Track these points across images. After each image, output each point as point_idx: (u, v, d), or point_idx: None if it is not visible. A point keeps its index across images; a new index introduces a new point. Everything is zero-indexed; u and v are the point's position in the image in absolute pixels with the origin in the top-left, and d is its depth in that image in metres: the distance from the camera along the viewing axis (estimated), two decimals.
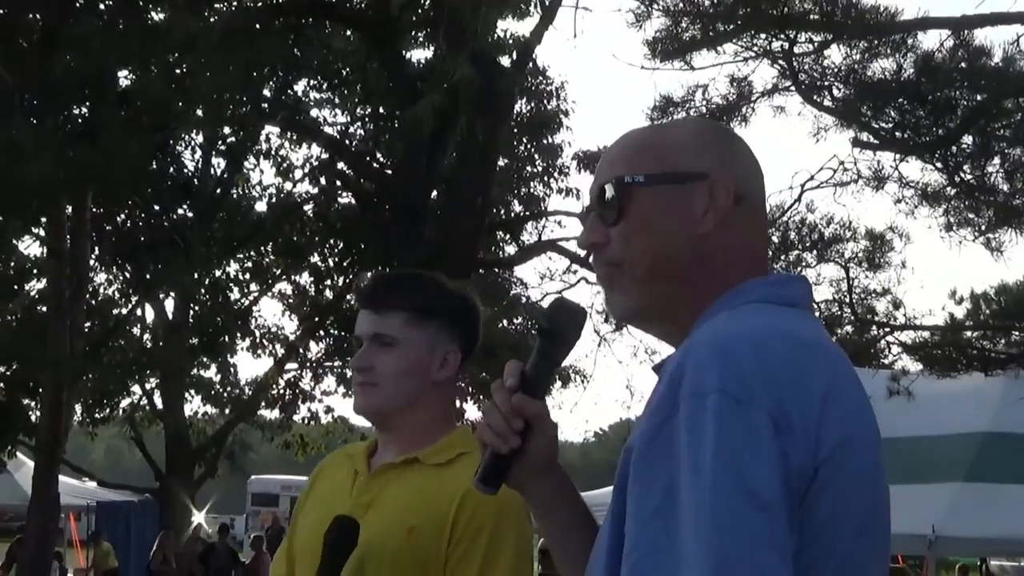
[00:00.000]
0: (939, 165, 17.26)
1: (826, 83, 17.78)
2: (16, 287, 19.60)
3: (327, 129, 20.18)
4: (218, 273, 21.69)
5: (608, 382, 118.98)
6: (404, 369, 2.76)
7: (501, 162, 19.43)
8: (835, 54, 15.32)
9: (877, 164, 18.67)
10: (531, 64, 19.43)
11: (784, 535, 1.57)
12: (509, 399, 1.97)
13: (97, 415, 23.81)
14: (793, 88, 17.95)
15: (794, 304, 1.86)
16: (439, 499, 2.68)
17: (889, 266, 20.04)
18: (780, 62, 18.00)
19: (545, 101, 22.23)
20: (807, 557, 1.62)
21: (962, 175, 17.38)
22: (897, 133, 17.00)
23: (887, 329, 19.75)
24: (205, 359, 22.90)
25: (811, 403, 1.63)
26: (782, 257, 18.70)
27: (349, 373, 2.87)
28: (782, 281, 1.94)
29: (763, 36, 14.99)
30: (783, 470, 1.58)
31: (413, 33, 18.26)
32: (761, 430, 1.58)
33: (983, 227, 18.51)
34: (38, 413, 17.85)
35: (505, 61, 16.75)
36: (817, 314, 16.98)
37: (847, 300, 19.27)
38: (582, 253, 19.72)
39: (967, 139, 16.69)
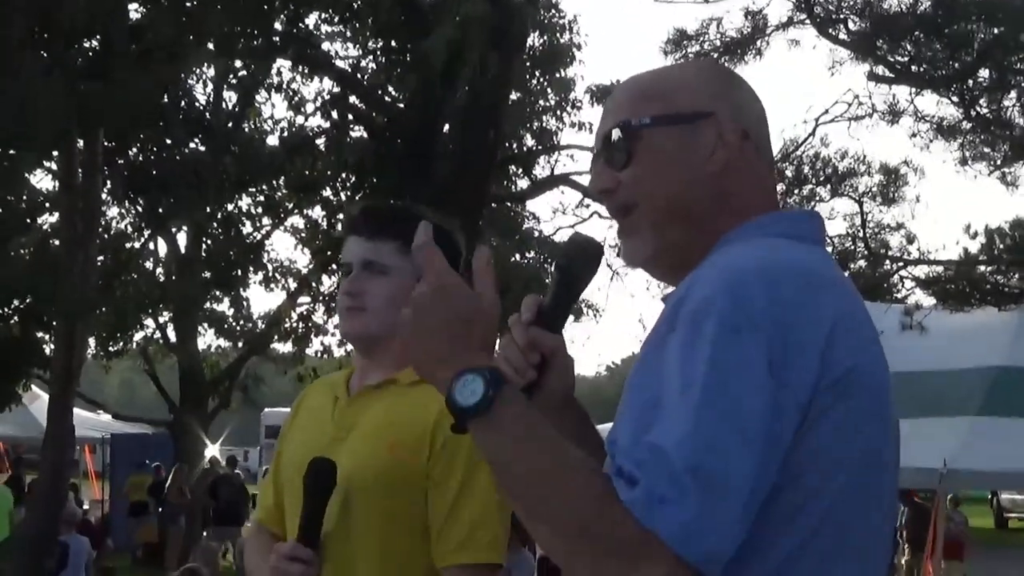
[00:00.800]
0: (955, 99, 17.21)
1: (842, 16, 17.71)
2: (29, 221, 19.63)
3: (339, 63, 20.11)
4: (230, 207, 21.68)
5: (621, 316, 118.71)
6: (392, 296, 2.78)
7: (513, 96, 19.34)
8: None
9: (892, 98, 18.64)
10: None
11: (760, 469, 1.58)
12: (525, 333, 1.98)
13: (111, 349, 23.90)
14: (808, 21, 17.87)
15: (807, 239, 1.86)
16: (417, 415, 2.72)
17: (903, 200, 20.08)
18: None
19: (557, 34, 22.11)
20: (800, 488, 1.64)
21: (978, 109, 17.32)
22: (913, 67, 16.94)
23: (901, 263, 19.77)
24: (218, 293, 22.95)
25: (815, 337, 1.63)
26: (796, 191, 18.71)
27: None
28: (796, 217, 1.95)
29: None
30: (772, 404, 1.59)
31: None
32: (756, 362, 1.59)
33: (998, 161, 18.49)
34: (52, 347, 17.93)
35: None
36: (831, 248, 17.09)
37: (861, 235, 19.28)
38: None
39: (983, 73, 16.64)
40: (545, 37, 22.04)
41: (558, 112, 23.18)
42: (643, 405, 1.63)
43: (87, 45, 14.22)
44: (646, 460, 1.57)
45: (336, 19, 19.79)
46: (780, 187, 18.81)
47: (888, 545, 1.85)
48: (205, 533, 20.97)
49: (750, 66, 18.81)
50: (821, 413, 1.63)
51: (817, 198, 19.10)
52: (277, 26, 15.77)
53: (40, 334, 19.42)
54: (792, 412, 1.61)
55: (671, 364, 1.62)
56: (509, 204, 23.78)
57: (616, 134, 1.95)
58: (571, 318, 27.54)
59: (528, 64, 21.58)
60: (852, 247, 19.48)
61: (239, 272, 22.55)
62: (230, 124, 21.30)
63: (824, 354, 1.63)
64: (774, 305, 1.63)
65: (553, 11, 21.86)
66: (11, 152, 15.49)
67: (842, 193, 19.14)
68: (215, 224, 21.47)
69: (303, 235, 24.83)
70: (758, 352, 1.59)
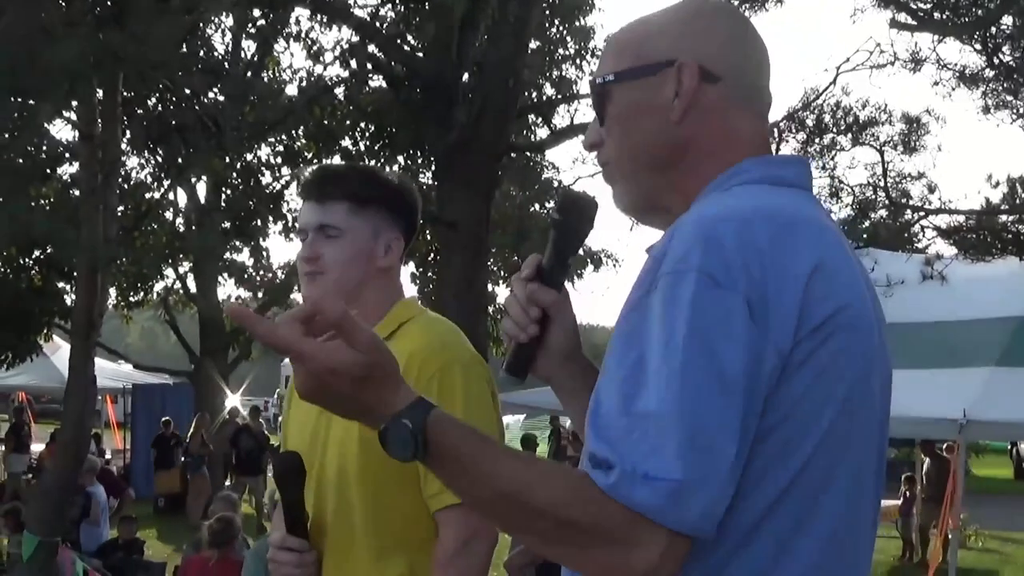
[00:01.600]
0: (978, 46, 17.07)
1: None
2: (49, 171, 19.64)
3: (357, 11, 20.02)
4: (249, 157, 21.69)
5: (639, 265, 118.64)
6: (350, 257, 2.87)
7: (533, 44, 19.27)
8: None
9: (915, 46, 18.50)
10: None
11: (745, 420, 1.58)
12: (525, 289, 2.03)
13: (131, 299, 24.02)
14: None
15: (790, 184, 1.86)
16: None
17: (924, 149, 19.95)
18: None
19: None
20: (784, 432, 1.64)
21: (1001, 56, 17.18)
22: (936, 14, 16.80)
23: (921, 213, 19.68)
24: (237, 243, 23.01)
25: (795, 281, 1.63)
26: (817, 140, 18.60)
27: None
28: (778, 161, 1.92)
29: None
30: (753, 354, 1.59)
31: None
32: (736, 312, 1.59)
33: (1021, 109, 18.34)
34: (73, 297, 17.99)
35: None
36: (851, 198, 16.97)
37: (882, 184, 19.19)
38: None
39: (1007, 20, 16.48)
40: None
41: (577, 61, 23.11)
42: (629, 366, 1.63)
43: None
44: (628, 433, 1.58)
45: None
46: (801, 136, 18.73)
47: (878, 483, 1.84)
48: (228, 482, 21.15)
49: (771, 14, 18.72)
50: (806, 356, 1.63)
51: (838, 147, 18.99)
52: None
53: (61, 284, 19.49)
54: (774, 357, 1.61)
55: (653, 324, 1.63)
56: (528, 153, 23.72)
57: (592, 92, 1.97)
58: (590, 268, 27.56)
59: (547, 12, 21.48)
60: (873, 196, 19.39)
61: (258, 222, 22.59)
62: (249, 73, 21.28)
63: (804, 297, 1.63)
64: (749, 253, 1.62)
65: None
66: (30, 102, 15.49)
67: (863, 142, 19.03)
68: (234, 174, 21.49)
69: None
70: (736, 302, 1.59)
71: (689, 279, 1.61)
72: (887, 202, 19.58)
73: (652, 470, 1.55)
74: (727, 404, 1.57)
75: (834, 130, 18.82)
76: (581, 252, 29.13)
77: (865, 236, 18.70)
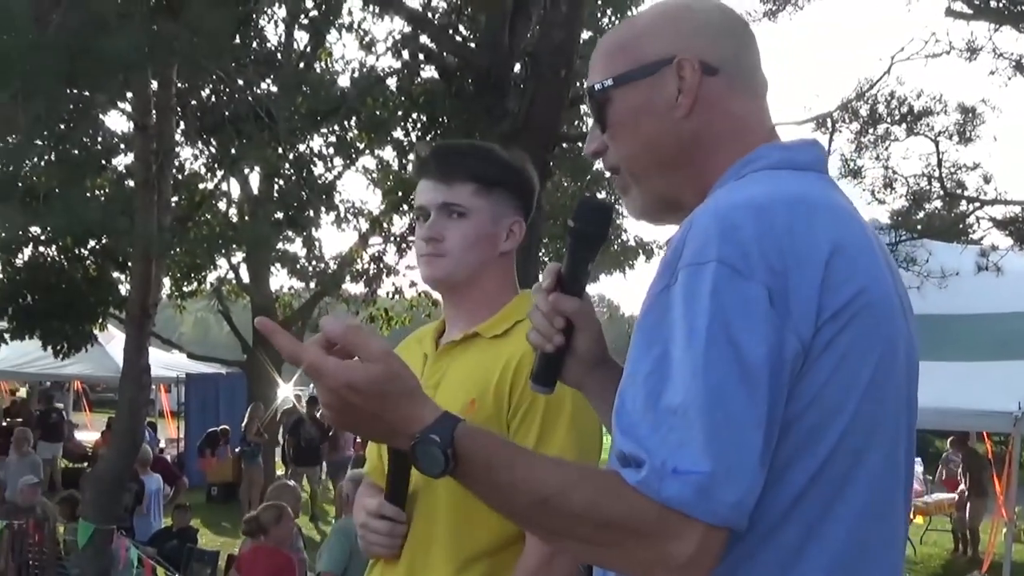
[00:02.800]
0: None
1: None
2: (104, 162, 19.80)
3: (409, 2, 20.03)
4: (302, 148, 21.75)
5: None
6: (473, 239, 2.79)
7: (585, 35, 19.21)
8: None
9: (970, 34, 18.36)
10: None
11: (770, 410, 1.59)
12: (547, 299, 2.03)
13: (185, 288, 24.17)
14: None
15: (806, 168, 1.86)
16: (495, 369, 2.72)
17: (980, 140, 19.74)
18: None
19: None
20: (810, 418, 1.65)
21: None
22: (992, 2, 16.64)
23: (977, 204, 19.50)
24: (290, 233, 23.08)
25: (814, 266, 1.64)
26: (870, 130, 18.47)
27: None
28: (792, 146, 1.92)
29: None
30: (775, 342, 1.60)
31: None
32: (756, 301, 1.60)
33: None
34: (128, 287, 18.11)
35: None
36: (905, 189, 16.86)
37: (936, 174, 19.03)
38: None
39: None
40: None
41: None
42: (653, 361, 1.64)
43: None
44: (656, 429, 1.59)
45: None
46: (854, 126, 18.59)
47: (909, 464, 1.83)
48: (289, 471, 21.25)
49: (825, 2, 18.59)
50: (828, 342, 1.64)
51: (892, 137, 18.86)
52: None
53: (116, 274, 19.62)
54: (795, 344, 1.62)
55: (676, 318, 1.63)
56: (580, 144, 23.67)
57: (590, 99, 1.99)
58: (642, 259, 27.48)
59: (599, 2, 21.42)
60: (928, 187, 19.25)
61: (311, 212, 22.66)
62: (301, 64, 21.35)
63: (823, 282, 1.63)
64: (767, 240, 1.63)
65: None
66: (85, 93, 15.60)
67: (918, 132, 18.87)
68: (287, 164, 21.55)
69: (374, 175, 24.92)
70: (757, 290, 1.60)
71: (708, 270, 1.61)
72: (942, 193, 19.42)
73: (681, 464, 1.56)
74: (752, 394, 1.58)
75: (888, 120, 18.68)
76: (632, 243, 29.14)
77: (919, 227, 18.56)
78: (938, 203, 20.23)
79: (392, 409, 1.73)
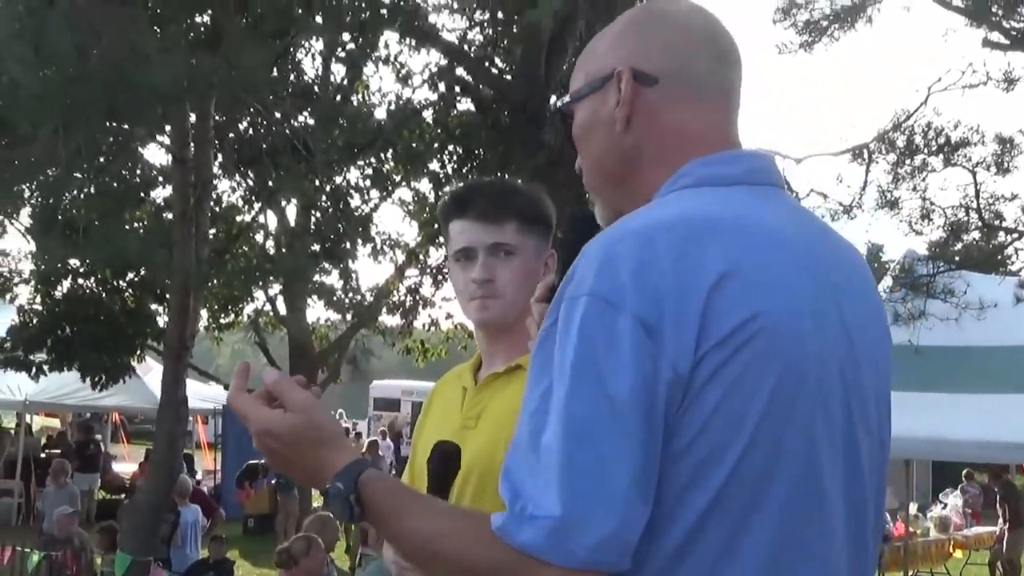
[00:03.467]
0: None
1: None
2: (143, 194, 19.93)
3: (446, 35, 20.13)
4: (339, 180, 21.84)
5: None
6: (523, 277, 2.77)
7: None
8: None
9: (1008, 65, 18.28)
10: None
11: (639, 443, 1.53)
12: (541, 310, 2.02)
13: (222, 320, 24.26)
14: None
15: (732, 183, 1.78)
16: None
17: (1018, 170, 19.60)
18: None
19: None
20: (698, 452, 1.58)
21: None
22: None
23: (1015, 235, 19.37)
24: (327, 265, 23.14)
25: (696, 293, 1.57)
26: (907, 161, 18.40)
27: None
28: (723, 159, 1.83)
29: None
30: (646, 374, 1.54)
31: None
32: (626, 333, 1.55)
33: None
34: (166, 318, 18.20)
35: None
36: (943, 220, 16.75)
37: (974, 205, 18.92)
38: None
39: None
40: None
41: None
42: (537, 399, 1.61)
43: (199, 19, 14.37)
44: (530, 471, 1.56)
45: None
46: (891, 157, 18.52)
47: (857, 493, 1.74)
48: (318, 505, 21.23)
49: (861, 33, 18.58)
50: (714, 370, 1.57)
51: (929, 168, 18.77)
52: None
53: (154, 306, 19.72)
54: (669, 374, 1.56)
55: (555, 354, 1.61)
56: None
57: (558, 117, 2.00)
58: None
59: None
60: (965, 218, 19.13)
61: (347, 244, 22.71)
62: (338, 97, 21.45)
63: (706, 309, 1.57)
64: (645, 270, 1.58)
65: None
66: (124, 126, 15.72)
67: (955, 163, 18.77)
68: (324, 197, 21.64)
69: (411, 208, 24.95)
70: (627, 322, 1.55)
71: (581, 304, 1.58)
72: (980, 224, 19.30)
73: (537, 508, 1.53)
74: (616, 429, 1.53)
75: (925, 151, 18.60)
76: None
77: (957, 258, 18.45)
78: (976, 234, 20.11)
79: (311, 456, 1.80)
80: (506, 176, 21.64)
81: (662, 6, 1.98)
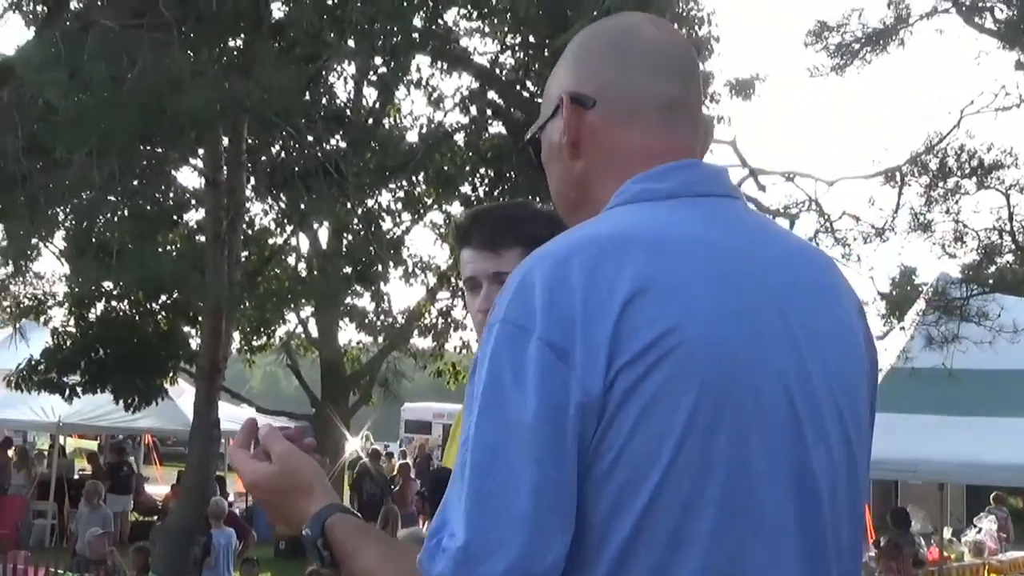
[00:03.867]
0: None
1: (988, 4, 17.33)
2: (176, 217, 20.04)
3: (477, 58, 20.18)
4: (371, 203, 21.90)
5: None
6: None
7: None
8: None
9: None
10: None
11: (548, 466, 1.50)
12: None
13: (254, 343, 24.32)
14: (953, 10, 17.54)
15: (670, 195, 1.74)
16: None
17: None
18: None
19: (695, 27, 21.94)
20: (621, 474, 1.53)
21: None
22: None
23: None
24: (358, 288, 23.19)
25: (606, 311, 1.54)
26: (940, 184, 18.33)
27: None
28: (656, 174, 1.77)
29: None
30: (555, 398, 1.51)
31: None
32: (534, 358, 1.52)
33: None
34: (198, 340, 18.27)
35: None
36: (976, 242, 16.68)
37: (1008, 228, 18.81)
38: (733, 182, 19.52)
39: None
40: (684, 30, 21.87)
41: None
42: (466, 428, 1.58)
43: (231, 44, 14.46)
44: (454, 502, 1.55)
45: (475, 15, 19.87)
46: (924, 179, 18.46)
47: (803, 523, 1.63)
48: None
49: (893, 56, 18.53)
50: (628, 389, 1.53)
51: (962, 191, 18.68)
52: (417, 23, 15.88)
53: (186, 329, 19.81)
54: (580, 396, 1.51)
55: (473, 381, 1.60)
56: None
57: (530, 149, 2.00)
58: None
59: None
60: (999, 241, 19.03)
61: (379, 267, 22.77)
62: (370, 120, 21.52)
63: (618, 326, 1.53)
64: (556, 292, 1.55)
65: (691, 3, 21.70)
66: (158, 150, 15.83)
67: (988, 186, 18.68)
68: (356, 219, 21.70)
69: (442, 230, 24.99)
70: (536, 346, 1.52)
71: (495, 331, 1.57)
72: (1013, 246, 19.19)
73: (445, 539, 1.52)
74: (519, 456, 1.50)
75: (958, 174, 18.52)
76: None
77: (991, 281, 18.36)
78: (1010, 257, 19.99)
79: (291, 504, 1.85)
80: (537, 199, 21.67)
81: (603, 25, 1.94)
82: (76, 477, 25.22)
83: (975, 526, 20.31)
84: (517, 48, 20.85)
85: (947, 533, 18.30)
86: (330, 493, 1.85)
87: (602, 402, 1.52)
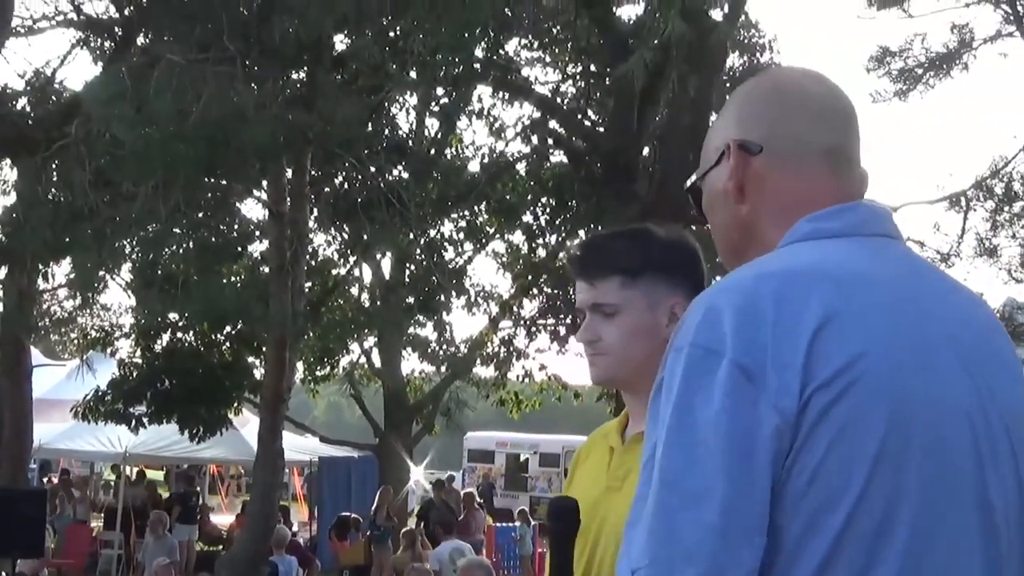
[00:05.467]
0: None
1: None
2: (240, 249, 20.19)
3: (538, 88, 20.24)
4: (433, 233, 21.97)
5: None
6: (630, 334, 2.67)
7: (713, 117, 19.23)
8: None
9: None
10: (743, 17, 19.17)
11: (734, 483, 1.53)
12: None
13: (318, 373, 24.45)
14: (1017, 33, 17.39)
15: (840, 234, 1.79)
16: None
17: None
18: (1004, 6, 17.42)
19: (757, 54, 21.91)
20: (815, 497, 1.56)
21: None
22: None
23: None
24: (421, 318, 23.26)
25: (798, 338, 1.57)
26: (1006, 208, 18.17)
27: (572, 339, 2.83)
28: (826, 215, 1.82)
29: None
30: (748, 418, 1.54)
31: None
32: (725, 381, 1.55)
33: None
34: (262, 371, 18.38)
35: (716, 15, 16.52)
36: None
37: None
38: None
39: None
40: (745, 57, 21.85)
41: None
42: (651, 448, 1.62)
43: (295, 76, 14.58)
44: (633, 531, 1.57)
45: (536, 45, 19.95)
46: (989, 204, 18.31)
47: (994, 541, 1.65)
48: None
49: (956, 81, 18.39)
50: (821, 414, 1.56)
51: None
52: (478, 53, 15.98)
53: (251, 359, 19.92)
54: (774, 416, 1.55)
55: (661, 406, 1.62)
56: (709, 227, 23.60)
57: (689, 194, 2.03)
58: None
59: (728, 84, 21.44)
60: None
61: (442, 297, 22.83)
62: (432, 150, 21.62)
63: (809, 352, 1.57)
64: (746, 317, 1.59)
65: (753, 30, 21.68)
66: (223, 182, 15.97)
67: None
68: (418, 249, 21.79)
69: (504, 259, 25.04)
70: (727, 369, 1.55)
71: (683, 354, 1.60)
72: None
73: (635, 561, 1.54)
74: (711, 472, 1.53)
75: None
76: None
77: None
78: None
79: None
80: (599, 227, 21.68)
81: (767, 76, 2.04)
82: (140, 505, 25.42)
83: None
84: (578, 77, 20.92)
85: None
86: None
87: (796, 423, 1.56)
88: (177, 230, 14.78)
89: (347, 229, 20.79)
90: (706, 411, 1.55)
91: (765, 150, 1.86)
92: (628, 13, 18.94)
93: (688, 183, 1.99)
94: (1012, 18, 16.86)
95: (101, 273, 16.62)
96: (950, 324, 1.74)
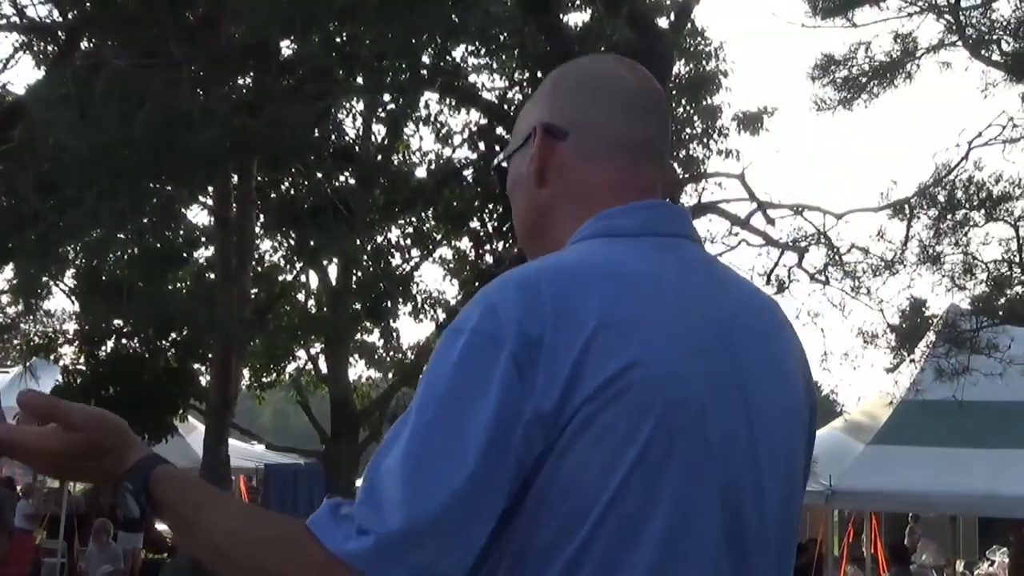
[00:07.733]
0: None
1: (995, 37, 17.34)
2: (185, 255, 20.10)
3: (485, 94, 20.25)
4: (380, 239, 21.94)
5: None
6: None
7: None
8: (1004, 6, 14.93)
9: None
10: (689, 25, 19.27)
11: (474, 480, 1.53)
12: None
13: (264, 379, 24.33)
14: (960, 43, 17.55)
15: (633, 233, 1.78)
16: None
17: None
18: (946, 16, 17.57)
19: (704, 62, 22.01)
20: (570, 500, 1.57)
21: None
22: None
23: None
24: (368, 324, 23.22)
25: (571, 343, 1.57)
26: (949, 216, 18.32)
27: None
28: (623, 212, 1.82)
29: None
30: (506, 412, 1.54)
31: None
32: (496, 369, 1.55)
33: None
34: (208, 377, 18.29)
35: (663, 22, 16.61)
36: (986, 274, 16.70)
37: (1017, 260, 18.79)
38: (741, 215, 19.53)
39: None
40: (691, 64, 21.95)
41: (704, 140, 23.03)
42: (399, 424, 1.61)
43: (241, 82, 14.53)
44: (370, 488, 1.56)
45: (483, 51, 19.96)
46: (932, 212, 18.45)
47: (717, 558, 1.65)
48: None
49: (900, 90, 18.53)
50: (585, 421, 1.56)
51: (971, 223, 18.66)
52: (425, 59, 15.96)
53: (196, 365, 19.82)
54: (531, 416, 1.55)
55: (424, 379, 1.61)
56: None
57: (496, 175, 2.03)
58: None
59: (674, 92, 21.53)
60: (1008, 273, 19.00)
61: (389, 303, 22.79)
62: (379, 156, 21.58)
63: (579, 359, 1.56)
64: (528, 314, 1.58)
65: (699, 38, 21.78)
66: (168, 188, 15.88)
67: (997, 218, 18.65)
68: (365, 256, 21.75)
69: (451, 266, 25.03)
70: (501, 358, 1.55)
71: (461, 339, 1.59)
72: (1023, 278, 19.17)
73: (368, 523, 1.53)
74: (457, 464, 1.52)
75: (967, 206, 18.51)
76: None
77: (1001, 313, 18.33)
78: (1019, 288, 19.94)
79: (107, 461, 1.78)
80: None
81: (580, 62, 2.02)
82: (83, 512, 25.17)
83: (988, 559, 20.22)
84: (525, 84, 20.92)
85: (959, 566, 18.23)
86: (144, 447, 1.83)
87: (558, 426, 1.55)
88: (122, 236, 14.69)
89: (294, 235, 20.72)
90: (477, 403, 1.54)
91: (571, 136, 1.86)
92: (575, 19, 19.04)
93: (495, 162, 2.01)
94: (954, 28, 16.99)
95: (44, 279, 16.50)
96: (731, 331, 1.74)
